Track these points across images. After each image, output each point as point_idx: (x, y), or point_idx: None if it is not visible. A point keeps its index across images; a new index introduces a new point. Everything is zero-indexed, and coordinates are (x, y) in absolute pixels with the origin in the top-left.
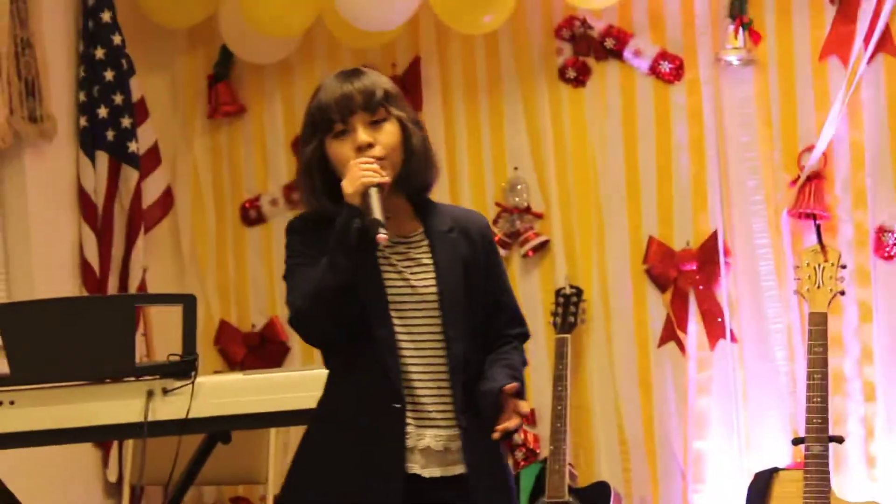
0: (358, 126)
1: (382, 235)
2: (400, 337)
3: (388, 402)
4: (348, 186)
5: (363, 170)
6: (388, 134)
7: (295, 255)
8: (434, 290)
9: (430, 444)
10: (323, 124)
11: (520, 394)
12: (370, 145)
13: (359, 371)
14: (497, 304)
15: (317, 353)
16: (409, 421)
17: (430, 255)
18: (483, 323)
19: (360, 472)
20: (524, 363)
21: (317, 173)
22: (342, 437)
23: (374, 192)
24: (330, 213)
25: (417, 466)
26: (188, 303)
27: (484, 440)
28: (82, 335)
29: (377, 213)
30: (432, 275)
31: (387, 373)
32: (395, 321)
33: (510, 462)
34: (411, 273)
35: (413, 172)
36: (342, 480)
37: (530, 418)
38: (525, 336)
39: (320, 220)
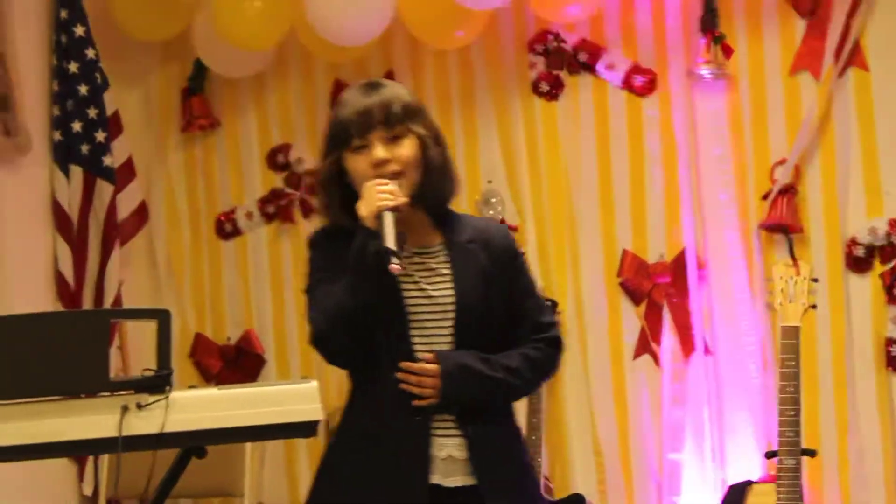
0: (376, 142)
1: (395, 266)
2: (417, 347)
3: (411, 414)
4: (364, 209)
5: (379, 192)
6: (406, 150)
7: (316, 270)
8: (452, 298)
9: (453, 453)
10: (341, 139)
11: (446, 372)
12: (387, 161)
13: (380, 382)
14: (520, 313)
15: (294, 366)
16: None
17: (448, 265)
18: (507, 332)
19: (384, 483)
20: (539, 361)
21: (335, 187)
22: (366, 449)
23: (388, 216)
24: (349, 226)
25: (439, 476)
26: (162, 318)
27: (498, 449)
28: (56, 350)
29: (390, 241)
30: (450, 284)
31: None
32: (413, 332)
33: None
34: (429, 283)
35: (431, 187)
36: (366, 492)
37: None
38: (551, 340)
39: (339, 232)
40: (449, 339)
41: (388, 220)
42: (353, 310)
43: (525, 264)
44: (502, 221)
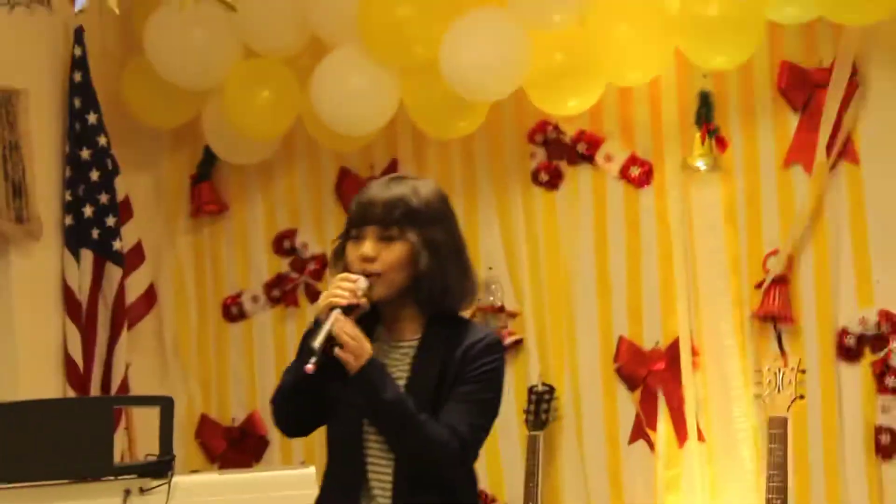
0: (368, 237)
1: (309, 366)
2: (367, 436)
3: (349, 489)
4: (321, 300)
5: (337, 287)
6: (393, 253)
7: (301, 340)
8: None
9: None
10: (348, 224)
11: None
12: (370, 259)
13: (333, 458)
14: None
15: (296, 448)
16: None
17: (409, 364)
18: None
19: None
20: (436, 436)
21: (340, 263)
22: None
23: (335, 314)
24: None
25: None
26: (165, 405)
27: None
28: (62, 436)
29: (318, 340)
30: (403, 382)
31: (349, 463)
32: (365, 421)
33: None
34: None
35: (421, 293)
36: None
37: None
38: (457, 432)
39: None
40: None
41: (331, 320)
42: (289, 387)
43: (485, 375)
44: (501, 307)
